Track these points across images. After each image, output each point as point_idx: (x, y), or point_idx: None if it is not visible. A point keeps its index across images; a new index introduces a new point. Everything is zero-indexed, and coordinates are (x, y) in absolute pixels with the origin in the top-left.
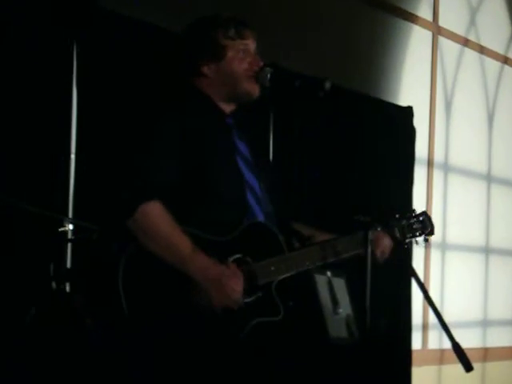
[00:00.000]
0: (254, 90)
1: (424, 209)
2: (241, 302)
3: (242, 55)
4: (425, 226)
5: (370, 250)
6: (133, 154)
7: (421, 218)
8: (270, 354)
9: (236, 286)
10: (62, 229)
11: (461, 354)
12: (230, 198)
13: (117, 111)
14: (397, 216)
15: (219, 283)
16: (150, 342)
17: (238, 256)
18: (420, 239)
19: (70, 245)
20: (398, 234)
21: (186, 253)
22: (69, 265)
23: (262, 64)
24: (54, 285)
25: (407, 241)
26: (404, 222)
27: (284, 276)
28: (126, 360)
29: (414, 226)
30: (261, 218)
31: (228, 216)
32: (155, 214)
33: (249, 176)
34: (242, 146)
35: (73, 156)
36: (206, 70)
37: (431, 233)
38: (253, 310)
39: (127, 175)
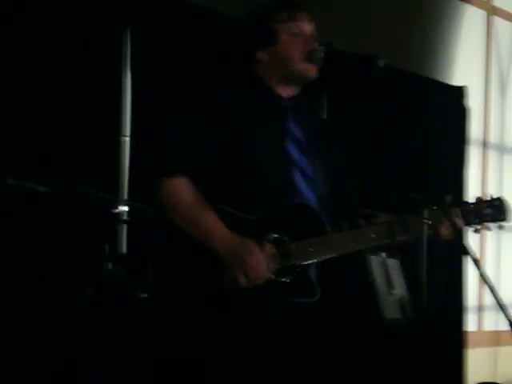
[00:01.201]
0: (309, 69)
1: (479, 189)
2: (265, 279)
3: (296, 37)
4: (498, 211)
5: (425, 228)
6: (168, 131)
7: (495, 204)
8: (310, 335)
9: (257, 262)
10: (116, 210)
11: None
12: (273, 178)
13: (169, 95)
14: (466, 201)
15: (238, 258)
16: (179, 321)
17: (275, 235)
18: (493, 225)
19: (124, 226)
20: (459, 218)
21: (210, 228)
22: (124, 246)
23: (315, 44)
24: (109, 266)
25: (473, 226)
26: (471, 206)
27: (324, 258)
28: (167, 340)
29: (485, 211)
30: (312, 199)
31: (271, 196)
32: (181, 190)
33: (299, 158)
34: (295, 130)
35: (127, 138)
36: (261, 55)
37: (503, 219)
38: (288, 291)
39: (159, 152)
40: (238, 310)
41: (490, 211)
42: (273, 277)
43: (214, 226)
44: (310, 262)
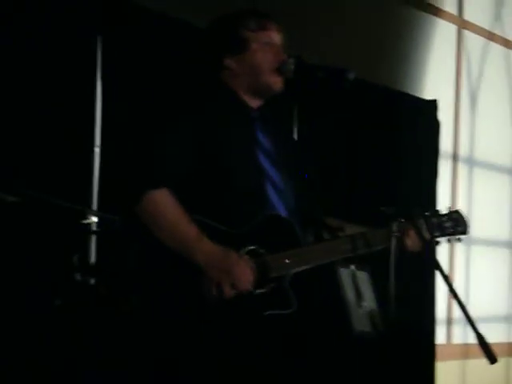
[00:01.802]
0: (277, 82)
1: (449, 202)
2: (248, 290)
3: (266, 47)
4: (457, 224)
5: (394, 241)
6: (145, 143)
7: (454, 216)
8: (290, 347)
9: (243, 274)
10: (85, 221)
11: (485, 346)
12: (247, 190)
13: (139, 105)
14: (427, 213)
15: (224, 269)
16: (159, 332)
17: (251, 248)
18: (452, 238)
19: (94, 237)
20: (425, 230)
21: (192, 240)
22: (93, 256)
23: (285, 56)
24: (78, 277)
25: (436, 239)
26: (434, 219)
27: (299, 269)
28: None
29: (446, 225)
30: (281, 210)
31: (245, 208)
32: (162, 202)
33: (270, 170)
34: (264, 140)
35: (97, 149)
36: (229, 62)
37: (464, 232)
38: (264, 302)
39: (138, 163)
40: (215, 322)
41: (450, 224)
42: (251, 289)
43: (196, 238)
44: (286, 273)
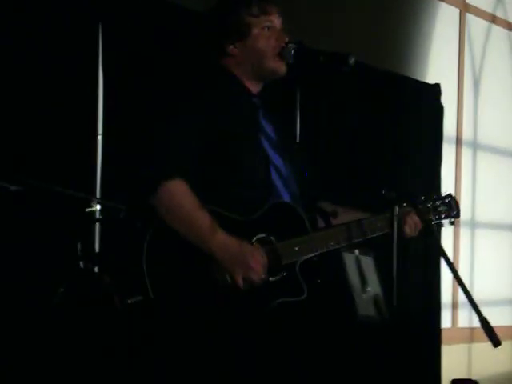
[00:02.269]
0: (280, 67)
1: (453, 186)
2: (263, 280)
3: (267, 32)
4: (450, 208)
5: (396, 225)
6: (156, 133)
7: (446, 201)
8: (296, 333)
9: (257, 263)
10: (89, 209)
11: (488, 329)
12: (254, 177)
13: (143, 92)
14: (422, 198)
15: (240, 261)
16: (173, 322)
17: (261, 236)
18: (446, 221)
19: (97, 225)
20: (424, 216)
21: (207, 231)
22: (97, 245)
23: (286, 40)
24: (81, 265)
25: (440, 221)
26: (429, 203)
27: (308, 256)
28: (153, 339)
29: (440, 209)
30: (286, 198)
31: (253, 195)
32: (178, 192)
33: (274, 156)
34: (267, 126)
35: (100, 137)
36: (231, 48)
37: (457, 215)
38: (276, 290)
39: (150, 154)
40: (229, 311)
41: (444, 208)
42: (265, 279)
43: (211, 229)
44: (295, 260)
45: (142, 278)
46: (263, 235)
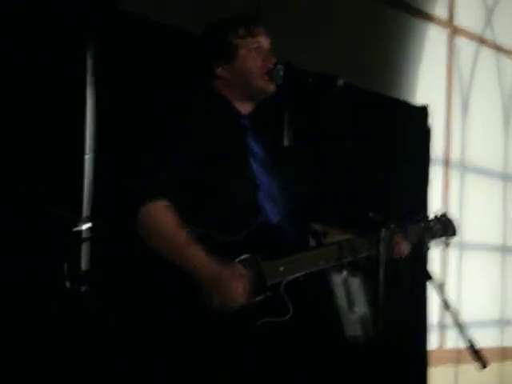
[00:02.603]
0: (268, 85)
1: (441, 208)
2: (242, 303)
3: (255, 53)
4: (446, 227)
5: (382, 247)
6: (142, 154)
7: (442, 220)
8: (281, 354)
9: (238, 286)
10: (76, 228)
11: (475, 351)
12: (241, 198)
13: (132, 112)
14: (416, 218)
15: (220, 283)
16: (156, 340)
17: (246, 256)
18: (440, 241)
19: (84, 244)
20: (414, 236)
21: (189, 252)
22: (84, 264)
23: (274, 61)
24: (68, 284)
25: (426, 243)
26: (422, 224)
27: (294, 276)
28: (138, 359)
29: (434, 229)
30: (275, 218)
31: (239, 217)
32: (158, 214)
33: (263, 177)
34: (256, 147)
35: (87, 156)
36: (220, 71)
37: (453, 235)
38: (260, 310)
39: (136, 174)
40: (212, 330)
41: (439, 228)
42: (247, 299)
43: (194, 253)
44: (281, 280)
45: (131, 297)
46: (248, 255)
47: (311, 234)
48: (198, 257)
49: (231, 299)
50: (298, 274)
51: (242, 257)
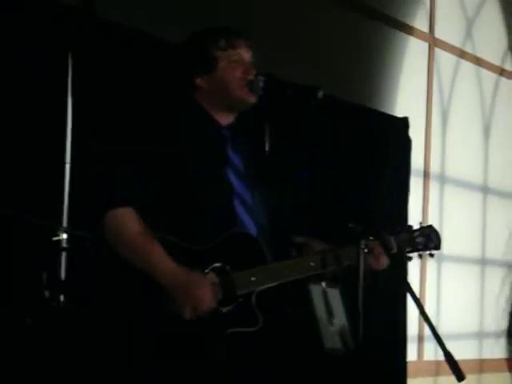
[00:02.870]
0: (247, 96)
1: (420, 219)
2: (211, 309)
3: (235, 65)
4: (429, 240)
5: (362, 258)
6: (112, 162)
7: (426, 232)
8: (250, 364)
9: (204, 294)
10: (56, 238)
11: (453, 364)
12: (215, 207)
13: (110, 121)
14: (397, 230)
15: (186, 290)
16: (121, 348)
17: (217, 265)
18: (420, 253)
19: (64, 254)
20: (394, 247)
21: (154, 258)
22: (63, 274)
23: (254, 73)
24: (47, 294)
25: (407, 255)
26: (404, 235)
27: (265, 286)
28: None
29: (417, 240)
30: (252, 228)
31: (213, 225)
32: (123, 220)
33: (239, 187)
34: (235, 158)
35: (67, 165)
36: (199, 82)
37: (436, 248)
38: (229, 320)
39: (103, 182)
40: (180, 340)
41: (421, 240)
42: (215, 307)
43: (159, 259)
44: (252, 290)
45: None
46: (219, 264)
47: (294, 246)
48: (163, 263)
49: (197, 306)
50: (271, 285)
51: (213, 265)
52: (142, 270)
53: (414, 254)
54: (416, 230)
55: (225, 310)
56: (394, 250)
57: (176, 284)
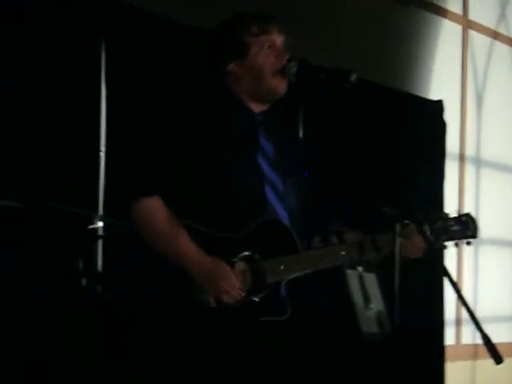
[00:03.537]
0: (281, 85)
1: (456, 203)
2: (239, 300)
3: (267, 50)
4: (466, 228)
5: (398, 242)
6: (142, 149)
7: (463, 219)
8: (280, 353)
9: (228, 285)
10: (92, 226)
11: (491, 347)
12: (246, 194)
13: (145, 108)
14: (432, 217)
15: (211, 281)
16: (155, 339)
17: (247, 253)
18: (461, 242)
19: (100, 242)
20: (429, 233)
21: (182, 248)
22: (100, 262)
23: (287, 58)
24: (84, 282)
25: (443, 243)
26: (440, 223)
27: (295, 275)
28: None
29: (453, 228)
30: (283, 215)
31: (244, 213)
32: (151, 209)
33: (271, 174)
34: (266, 145)
35: (102, 153)
36: (231, 68)
37: (473, 236)
38: (258, 309)
39: (133, 170)
40: (209, 328)
41: (458, 228)
42: (244, 296)
43: (186, 248)
44: (281, 279)
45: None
46: (249, 253)
47: (330, 234)
48: (189, 251)
49: (225, 295)
50: (300, 273)
51: (243, 254)
52: (170, 258)
53: (450, 243)
54: (452, 218)
55: (256, 298)
56: (432, 238)
57: (202, 273)
